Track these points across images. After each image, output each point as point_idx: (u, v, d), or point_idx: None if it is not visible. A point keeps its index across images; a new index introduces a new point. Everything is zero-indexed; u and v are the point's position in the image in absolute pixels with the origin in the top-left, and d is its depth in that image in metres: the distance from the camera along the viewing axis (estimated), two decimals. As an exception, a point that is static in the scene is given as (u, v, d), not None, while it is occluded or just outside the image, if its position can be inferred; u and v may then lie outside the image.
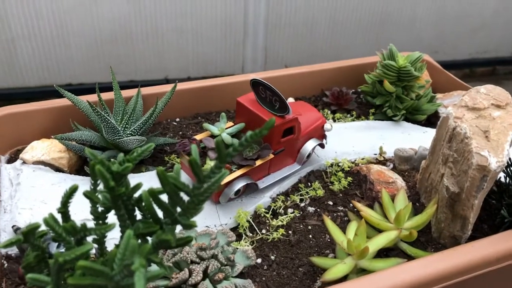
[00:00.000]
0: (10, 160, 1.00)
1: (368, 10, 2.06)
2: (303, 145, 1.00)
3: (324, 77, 1.30)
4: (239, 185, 0.89)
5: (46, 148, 0.98)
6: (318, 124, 1.02)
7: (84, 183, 0.94)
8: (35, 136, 1.02)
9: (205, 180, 0.49)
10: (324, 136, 1.05)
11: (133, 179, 0.96)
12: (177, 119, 1.16)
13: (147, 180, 0.96)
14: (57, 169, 0.97)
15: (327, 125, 1.03)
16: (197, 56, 1.88)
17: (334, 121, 1.22)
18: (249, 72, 2.05)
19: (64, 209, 0.57)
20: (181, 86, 1.14)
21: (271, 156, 0.93)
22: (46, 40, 1.71)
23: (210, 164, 0.90)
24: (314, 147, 1.01)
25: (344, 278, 0.77)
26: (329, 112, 1.24)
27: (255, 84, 0.94)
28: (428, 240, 0.89)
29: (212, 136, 0.96)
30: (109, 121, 0.93)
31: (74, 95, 0.99)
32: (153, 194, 0.48)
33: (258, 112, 0.93)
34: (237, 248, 0.80)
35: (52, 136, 0.95)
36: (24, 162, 0.97)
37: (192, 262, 0.73)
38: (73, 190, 0.56)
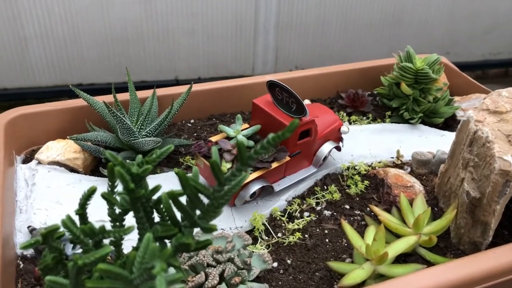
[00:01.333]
0: (26, 160, 1.00)
1: (379, 10, 2.05)
2: (319, 147, 0.99)
3: (339, 79, 1.29)
4: (255, 187, 0.88)
5: (62, 148, 0.98)
6: (334, 126, 1.01)
7: (98, 184, 0.93)
8: (50, 137, 1.02)
9: (225, 182, 0.48)
10: (341, 139, 1.04)
11: (147, 180, 0.96)
12: (192, 121, 1.16)
13: (161, 182, 0.95)
14: (72, 170, 0.97)
15: (343, 128, 1.01)
16: (207, 56, 1.87)
17: (350, 123, 1.20)
18: (260, 72, 2.04)
19: (82, 210, 0.56)
20: (196, 87, 1.14)
21: (287, 158, 0.92)
22: (58, 40, 1.71)
23: (225, 166, 0.89)
24: (331, 150, 1.00)
25: (362, 284, 0.75)
26: (344, 114, 1.22)
27: (272, 86, 0.93)
28: (447, 245, 0.88)
29: (228, 138, 0.95)
30: (124, 122, 0.92)
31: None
32: (173, 196, 0.47)
33: (275, 114, 0.92)
34: (253, 252, 0.79)
35: (68, 137, 0.95)
36: (39, 163, 0.97)
37: (209, 265, 0.73)
38: (91, 192, 0.55)
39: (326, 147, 0.99)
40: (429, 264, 0.81)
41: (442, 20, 2.15)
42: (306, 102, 1.11)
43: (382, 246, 0.76)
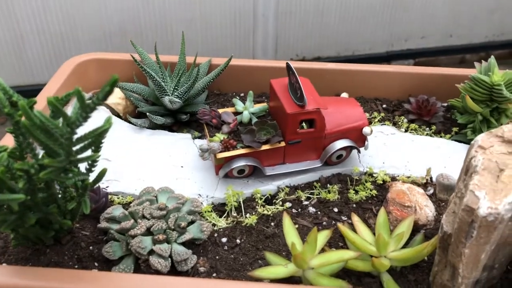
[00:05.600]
0: (90, 98, 1.17)
1: (380, -7, 1.94)
2: (331, 142, 0.93)
3: (416, 82, 1.16)
4: (239, 163, 0.88)
5: (115, 94, 1.11)
6: (356, 125, 0.93)
7: (127, 129, 1.05)
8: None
9: (72, 126, 0.53)
10: (365, 140, 0.96)
11: (166, 136, 1.03)
12: (242, 94, 1.19)
13: (178, 139, 1.02)
14: (116, 114, 1.10)
15: (366, 129, 0.93)
16: (206, 46, 1.84)
17: (406, 131, 1.09)
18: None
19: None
20: (254, 62, 1.17)
21: (282, 144, 0.89)
22: (55, 35, 1.69)
23: (219, 137, 0.91)
24: (347, 148, 0.94)
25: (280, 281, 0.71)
26: (405, 120, 1.11)
27: (288, 69, 0.91)
28: (420, 281, 0.76)
29: (236, 112, 0.96)
30: (154, 79, 1.01)
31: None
32: (25, 125, 0.53)
33: (281, 97, 0.90)
34: (197, 219, 0.81)
35: (109, 83, 1.07)
36: (96, 102, 1.12)
37: (144, 217, 0.77)
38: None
39: (339, 144, 0.93)
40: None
41: (445, 2, 2.05)
42: (344, 95, 1.04)
43: (312, 251, 0.70)
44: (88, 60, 1.16)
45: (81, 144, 0.55)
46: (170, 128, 1.06)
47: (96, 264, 0.76)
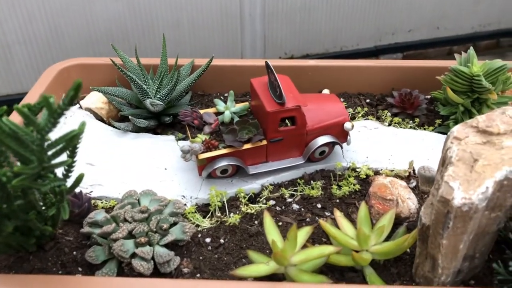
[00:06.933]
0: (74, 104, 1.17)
1: (365, -12, 1.97)
2: (313, 139, 0.93)
3: (398, 76, 1.17)
4: (221, 163, 0.88)
5: (98, 98, 1.11)
6: (337, 121, 0.94)
7: (111, 134, 1.05)
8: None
9: (42, 132, 0.53)
10: (347, 136, 0.96)
11: (150, 138, 1.04)
12: (226, 94, 1.19)
13: (159, 142, 1.02)
14: (100, 118, 1.10)
15: (347, 124, 0.94)
16: (195, 49, 1.85)
17: (389, 125, 1.09)
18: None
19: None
20: (242, 62, 1.18)
21: (264, 142, 0.90)
22: (42, 43, 1.70)
23: (201, 137, 0.91)
24: (329, 144, 0.94)
25: (263, 279, 0.72)
26: (388, 114, 1.11)
27: (267, 67, 0.91)
28: (402, 273, 0.77)
29: (217, 112, 0.97)
30: (136, 82, 1.01)
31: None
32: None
33: (261, 95, 0.90)
34: (180, 221, 0.81)
35: (90, 87, 1.08)
36: (80, 107, 1.12)
37: (126, 220, 0.77)
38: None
39: (321, 140, 0.93)
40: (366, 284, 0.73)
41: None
42: (325, 91, 1.04)
43: (293, 247, 0.71)
44: (70, 66, 1.16)
45: (53, 150, 0.55)
46: (154, 130, 1.07)
47: (80, 269, 0.76)
